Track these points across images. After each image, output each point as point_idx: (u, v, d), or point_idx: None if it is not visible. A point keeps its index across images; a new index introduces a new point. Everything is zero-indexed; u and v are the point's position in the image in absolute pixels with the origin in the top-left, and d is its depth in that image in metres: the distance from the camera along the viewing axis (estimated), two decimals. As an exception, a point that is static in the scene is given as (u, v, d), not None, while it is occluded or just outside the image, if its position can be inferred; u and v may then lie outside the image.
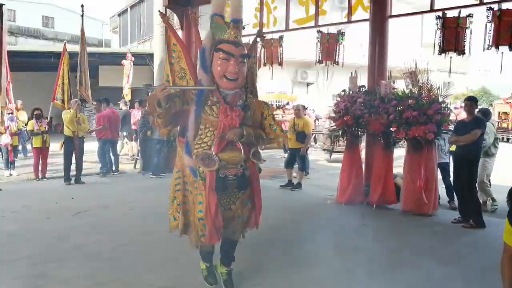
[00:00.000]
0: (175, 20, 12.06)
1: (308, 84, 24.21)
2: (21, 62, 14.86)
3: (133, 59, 12.52)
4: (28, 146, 12.33)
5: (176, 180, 3.81)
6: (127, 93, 12.56)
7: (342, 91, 7.83)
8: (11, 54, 10.57)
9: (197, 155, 3.41)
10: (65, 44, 10.30)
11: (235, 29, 3.45)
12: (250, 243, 4.26)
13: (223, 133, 3.38)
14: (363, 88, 7.68)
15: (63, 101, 9.96)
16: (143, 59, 17.22)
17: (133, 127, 12.50)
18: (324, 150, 14.35)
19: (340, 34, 8.39)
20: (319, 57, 8.58)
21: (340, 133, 7.87)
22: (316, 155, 14.89)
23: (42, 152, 9.81)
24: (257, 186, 3.65)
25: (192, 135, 3.45)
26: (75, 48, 10.56)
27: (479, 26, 6.86)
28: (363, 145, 8.03)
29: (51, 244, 5.27)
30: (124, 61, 12.88)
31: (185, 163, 3.59)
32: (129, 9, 27.53)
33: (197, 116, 3.43)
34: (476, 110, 6.67)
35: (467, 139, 6.26)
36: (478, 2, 6.92)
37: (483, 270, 4.66)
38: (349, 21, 8.50)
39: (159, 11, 4.74)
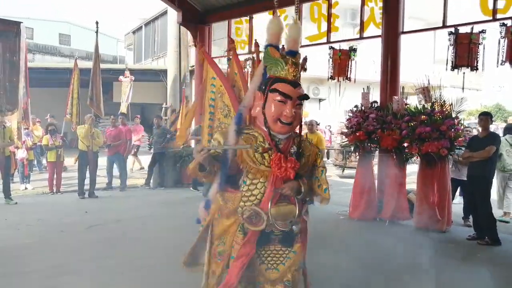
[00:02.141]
0: (189, 37, 12.27)
1: (320, 100, 24.22)
2: (38, 78, 15.14)
3: (133, 78, 12.62)
4: (43, 161, 12.55)
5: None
6: (123, 110, 12.67)
7: (354, 106, 7.84)
8: (28, 71, 10.82)
9: (244, 211, 2.88)
10: (75, 60, 10.56)
11: (294, 65, 2.90)
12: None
13: (278, 188, 2.85)
14: (375, 104, 7.68)
15: (71, 115, 10.14)
16: (156, 76, 17.43)
17: (137, 143, 12.76)
18: (336, 165, 14.30)
19: (352, 50, 8.42)
20: (331, 73, 8.61)
21: (352, 148, 7.86)
22: (328, 171, 14.79)
23: (56, 166, 9.99)
24: (304, 243, 3.10)
25: (215, 190, 3.01)
26: (90, 64, 10.77)
27: (492, 42, 6.85)
28: (375, 160, 8.00)
29: (65, 258, 5.31)
30: (121, 78, 12.88)
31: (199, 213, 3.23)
32: (143, 26, 27.93)
33: (225, 168, 2.92)
34: (504, 125, 6.66)
35: (481, 155, 6.20)
36: (491, 18, 6.93)
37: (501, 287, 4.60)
38: (361, 37, 8.55)
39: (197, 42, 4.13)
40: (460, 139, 6.83)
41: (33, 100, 11.32)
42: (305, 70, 3.34)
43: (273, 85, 2.85)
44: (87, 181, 9.61)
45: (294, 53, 2.93)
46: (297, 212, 2.90)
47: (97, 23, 9.98)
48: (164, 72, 14.82)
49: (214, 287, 3.00)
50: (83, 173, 9.57)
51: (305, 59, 3.14)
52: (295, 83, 2.88)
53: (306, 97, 2.94)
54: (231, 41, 3.76)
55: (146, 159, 11.87)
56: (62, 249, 5.67)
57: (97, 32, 10.09)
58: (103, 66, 10.98)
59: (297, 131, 3.01)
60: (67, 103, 10.29)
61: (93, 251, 5.61)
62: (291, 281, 2.98)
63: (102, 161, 10.30)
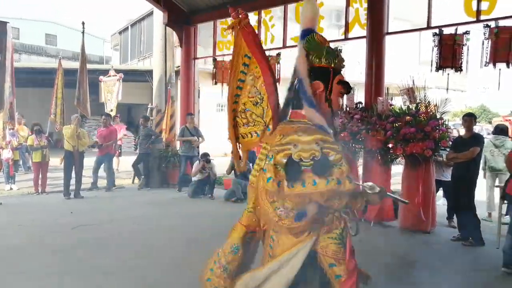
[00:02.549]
0: (174, 38, 12.21)
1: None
2: (24, 78, 14.97)
3: (122, 75, 12.46)
4: (29, 161, 12.43)
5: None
6: (112, 109, 12.54)
7: (339, 107, 7.84)
8: (14, 70, 10.70)
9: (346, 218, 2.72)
10: (60, 60, 10.46)
11: (341, 55, 2.82)
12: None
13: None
14: (360, 105, 7.70)
15: (55, 115, 10.05)
16: (142, 76, 17.33)
17: (119, 142, 12.69)
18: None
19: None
20: (316, 73, 8.60)
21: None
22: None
23: (41, 167, 9.93)
24: None
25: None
26: (77, 65, 10.67)
27: (477, 43, 6.91)
28: (360, 161, 8.02)
29: (51, 258, 5.27)
30: (102, 77, 12.57)
31: None
32: (129, 27, 27.79)
33: None
34: (494, 126, 6.72)
35: (465, 156, 6.24)
36: (475, 19, 6.98)
37: (487, 284, 4.69)
38: (346, 38, 8.58)
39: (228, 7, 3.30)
40: (444, 140, 6.87)
41: (18, 100, 11.18)
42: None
43: (337, 77, 2.73)
44: (72, 181, 9.53)
45: (312, 31, 2.77)
46: None
47: (83, 23, 9.92)
48: (150, 72, 14.73)
49: None
50: (68, 173, 9.49)
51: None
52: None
53: (352, 88, 2.89)
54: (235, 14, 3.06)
55: (130, 160, 11.76)
56: (50, 249, 5.62)
57: (83, 32, 10.02)
58: (89, 66, 10.88)
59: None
60: (51, 103, 10.19)
61: (81, 251, 5.58)
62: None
63: (87, 161, 10.20)
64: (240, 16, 3.03)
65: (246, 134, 3.04)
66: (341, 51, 2.97)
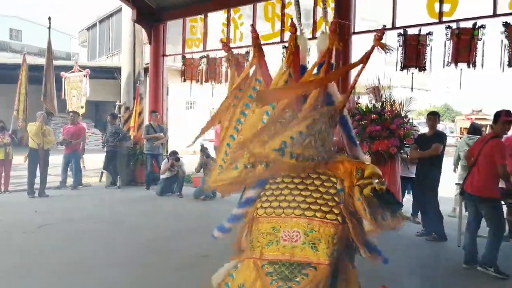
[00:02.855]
0: (143, 35, 12.09)
1: (277, 100, 24.41)
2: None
3: (89, 71, 12.18)
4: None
5: None
6: (83, 106, 12.28)
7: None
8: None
9: None
10: (24, 56, 10.21)
11: None
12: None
13: None
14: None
15: (18, 112, 9.81)
16: (111, 73, 17.09)
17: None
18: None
19: (306, 49, 8.53)
20: (285, 72, 8.68)
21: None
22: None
23: (4, 165, 9.59)
24: None
25: None
26: (43, 61, 10.41)
27: (440, 44, 7.12)
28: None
29: (15, 258, 5.15)
30: (64, 73, 12.13)
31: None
32: (98, 23, 27.34)
33: None
34: (468, 125, 6.88)
35: (429, 153, 6.39)
36: (437, 20, 7.19)
37: (447, 279, 4.82)
38: (314, 37, 8.67)
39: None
40: (409, 138, 7.03)
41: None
42: None
43: None
44: (37, 180, 9.30)
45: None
46: None
47: (49, 18, 9.72)
48: (118, 69, 14.54)
49: None
50: (33, 171, 9.26)
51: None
52: None
53: None
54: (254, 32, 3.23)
55: (97, 158, 11.57)
56: (11, 249, 5.49)
57: (49, 27, 9.80)
58: (55, 62, 10.64)
59: None
60: (15, 99, 9.92)
61: (43, 251, 5.47)
62: None
63: (53, 159, 9.98)
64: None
65: None
66: (309, 50, 3.10)
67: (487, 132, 7.88)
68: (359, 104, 7.51)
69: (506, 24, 6.57)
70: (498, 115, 5.05)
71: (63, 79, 11.91)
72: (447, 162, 7.34)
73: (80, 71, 12.09)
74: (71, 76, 12.03)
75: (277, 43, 9.09)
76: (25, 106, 9.77)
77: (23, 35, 37.30)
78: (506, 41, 6.56)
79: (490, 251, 4.90)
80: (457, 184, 5.89)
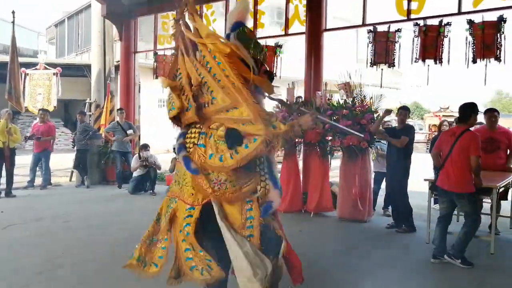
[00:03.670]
0: (114, 32, 11.91)
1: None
2: None
3: (60, 70, 11.88)
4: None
5: (187, 219, 2.92)
6: (55, 106, 12.00)
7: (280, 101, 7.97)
8: None
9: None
10: None
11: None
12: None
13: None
14: (300, 99, 7.88)
15: None
16: (80, 71, 16.79)
17: None
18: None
19: (278, 46, 8.60)
20: (256, 68, 8.72)
21: (277, 142, 8.00)
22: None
23: (-31, 165, 9.25)
24: None
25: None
26: (6, 58, 10.10)
27: (408, 41, 7.29)
28: (300, 154, 8.21)
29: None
30: (25, 69, 11.65)
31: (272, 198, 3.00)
32: (66, 20, 26.80)
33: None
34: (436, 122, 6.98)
35: (395, 142, 6.51)
36: (405, 18, 7.35)
37: (416, 269, 4.94)
38: (286, 34, 8.75)
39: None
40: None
41: None
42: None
43: (262, 68, 3.08)
44: (3, 180, 9.04)
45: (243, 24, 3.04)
46: None
47: (13, 12, 9.42)
48: (88, 67, 14.29)
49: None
50: None
51: None
52: None
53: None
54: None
55: (67, 157, 11.33)
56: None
57: (13, 22, 9.50)
58: (21, 60, 10.36)
59: None
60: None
61: (11, 251, 5.35)
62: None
63: (19, 159, 9.72)
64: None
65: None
66: (281, 46, 3.31)
67: (450, 127, 8.00)
68: (330, 100, 7.61)
69: (470, 22, 6.77)
70: (472, 109, 5.05)
71: (23, 75, 11.37)
72: (418, 158, 7.46)
73: (46, 68, 11.80)
74: (35, 73, 11.72)
75: (249, 39, 9.09)
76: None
77: (-15, 31, 36.12)
78: (470, 38, 6.75)
79: (461, 243, 4.98)
80: (426, 180, 6.00)
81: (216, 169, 2.76)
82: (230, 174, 2.79)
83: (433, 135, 24.41)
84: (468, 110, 5.09)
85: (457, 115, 5.59)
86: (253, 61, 2.90)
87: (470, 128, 5.14)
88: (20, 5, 60.94)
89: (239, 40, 2.95)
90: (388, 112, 6.71)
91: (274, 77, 3.16)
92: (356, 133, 3.20)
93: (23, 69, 11.40)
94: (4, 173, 9.07)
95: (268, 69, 3.09)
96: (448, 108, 25.95)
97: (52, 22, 30.25)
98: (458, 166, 4.98)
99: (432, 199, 6.23)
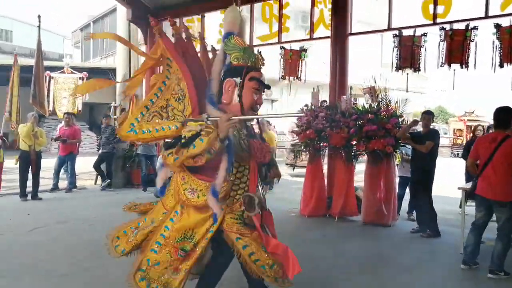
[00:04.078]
0: (139, 36, 12.08)
1: (272, 101, 24.48)
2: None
3: (86, 74, 11.98)
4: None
5: (159, 220, 3.18)
6: (80, 109, 12.17)
7: (305, 105, 8.00)
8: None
9: (243, 199, 3.00)
10: (15, 57, 10.07)
11: (260, 55, 3.17)
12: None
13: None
14: (325, 103, 7.88)
15: (10, 114, 9.69)
16: (105, 74, 17.05)
17: None
18: (287, 164, 14.49)
19: (303, 50, 8.61)
20: (282, 73, 8.76)
21: (302, 146, 8.03)
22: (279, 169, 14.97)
23: (-5, 168, 9.44)
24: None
25: (224, 176, 2.84)
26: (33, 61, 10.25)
27: (434, 45, 7.22)
28: (325, 158, 8.20)
29: (5, 261, 5.08)
30: (50, 72, 11.68)
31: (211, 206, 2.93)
32: (91, 23, 27.30)
33: (231, 153, 2.85)
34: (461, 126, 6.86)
35: (420, 148, 6.44)
36: (431, 22, 7.28)
37: (441, 275, 4.86)
38: (311, 38, 8.75)
39: (149, 16, 3.98)
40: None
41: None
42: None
43: (252, 74, 3.04)
44: (29, 183, 9.15)
45: (231, 34, 3.11)
46: (265, 194, 3.18)
47: (39, 17, 9.54)
48: (113, 70, 14.51)
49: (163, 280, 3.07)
50: (24, 174, 9.09)
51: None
52: (261, 72, 3.11)
53: (269, 86, 3.19)
54: (154, 23, 3.35)
55: (92, 160, 11.44)
56: (2, 253, 5.39)
57: (39, 26, 9.60)
58: (46, 63, 10.52)
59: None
60: (6, 101, 9.78)
61: (36, 254, 5.39)
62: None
63: (45, 162, 9.85)
64: (152, 23, 3.37)
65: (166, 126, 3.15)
66: (260, 53, 3.29)
67: (485, 133, 7.85)
68: (355, 104, 7.59)
69: (497, 26, 6.66)
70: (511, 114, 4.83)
71: (47, 78, 11.43)
72: (443, 162, 7.37)
73: (72, 72, 11.92)
74: (61, 76, 11.83)
75: (275, 43, 9.15)
76: (17, 108, 9.64)
77: (13, 35, 36.97)
78: (497, 42, 6.66)
79: (501, 255, 4.78)
80: (459, 188, 5.86)
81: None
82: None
83: (463, 140, 24.17)
84: (507, 115, 4.86)
85: (481, 119, 5.47)
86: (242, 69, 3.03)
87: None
88: (46, 9, 62.31)
89: (226, 49, 3.09)
90: (415, 122, 6.70)
91: (267, 85, 3.15)
92: (293, 114, 3.14)
93: (47, 72, 11.55)
94: (30, 176, 9.19)
95: (259, 75, 3.08)
96: (473, 112, 25.51)
97: (78, 26, 30.79)
98: (502, 173, 4.73)
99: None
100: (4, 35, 36.90)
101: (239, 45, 3.06)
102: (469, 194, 5.50)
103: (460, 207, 6.33)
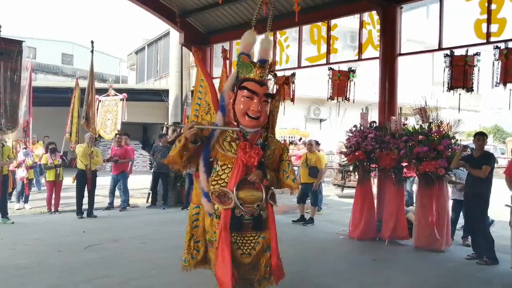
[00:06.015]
0: (191, 58, 12.43)
1: (321, 121, 24.37)
2: (40, 97, 15.23)
3: (126, 95, 12.25)
4: (42, 180, 12.48)
5: (193, 216, 3.94)
6: (119, 130, 12.44)
7: (354, 126, 7.93)
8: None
9: (213, 192, 3.41)
10: (77, 80, 10.56)
11: (261, 68, 3.45)
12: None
13: (246, 175, 3.35)
14: (374, 124, 7.78)
15: (70, 134, 10.14)
16: (158, 96, 17.58)
17: None
18: (335, 185, 14.33)
19: (351, 71, 8.57)
20: (330, 93, 8.73)
21: (351, 168, 7.93)
22: (328, 190, 14.81)
23: (55, 186, 9.92)
24: (273, 229, 3.53)
25: (204, 178, 3.53)
26: (95, 85, 10.66)
27: (488, 64, 6.99)
28: (375, 180, 8.06)
29: (62, 277, 5.26)
30: (98, 96, 11.71)
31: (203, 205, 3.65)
32: (146, 46, 28.29)
33: (206, 154, 3.50)
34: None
35: (477, 174, 6.24)
36: (485, 41, 7.07)
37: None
38: (360, 59, 8.70)
39: (194, 48, 4.87)
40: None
41: (34, 119, 11.38)
42: (287, 83, 4.03)
43: (242, 84, 3.41)
44: (85, 200, 9.52)
45: (263, 61, 3.51)
46: (263, 197, 3.40)
47: (92, 42, 10.03)
48: (166, 92, 14.95)
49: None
50: (81, 192, 9.46)
51: (293, 74, 3.81)
52: (262, 82, 3.45)
53: (271, 95, 3.55)
54: (223, 50, 4.03)
55: (143, 179, 11.72)
56: (59, 269, 5.59)
57: (92, 51, 10.06)
58: (102, 85, 10.93)
59: (265, 128, 3.65)
60: (67, 122, 10.27)
61: (90, 271, 5.55)
62: (265, 264, 3.53)
63: (100, 180, 10.22)
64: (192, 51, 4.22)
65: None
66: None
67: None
68: (406, 125, 7.44)
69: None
70: None
71: (96, 102, 11.58)
72: (499, 184, 7.06)
73: (116, 95, 12.26)
74: (106, 99, 12.21)
75: (323, 64, 9.15)
76: (77, 128, 10.10)
77: (74, 59, 38.94)
78: (555, 61, 6.38)
79: None
80: (507, 205, 5.62)
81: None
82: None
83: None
84: None
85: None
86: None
87: None
88: (104, 34, 65.31)
89: (236, 66, 3.55)
90: (464, 148, 6.55)
91: (272, 95, 3.66)
92: (230, 128, 3.21)
93: (96, 96, 11.89)
94: (86, 193, 9.56)
95: (259, 86, 3.44)
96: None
97: (133, 49, 32.03)
98: None
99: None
100: (66, 59, 38.91)
101: (244, 61, 3.47)
102: None
103: (510, 224, 6.03)
